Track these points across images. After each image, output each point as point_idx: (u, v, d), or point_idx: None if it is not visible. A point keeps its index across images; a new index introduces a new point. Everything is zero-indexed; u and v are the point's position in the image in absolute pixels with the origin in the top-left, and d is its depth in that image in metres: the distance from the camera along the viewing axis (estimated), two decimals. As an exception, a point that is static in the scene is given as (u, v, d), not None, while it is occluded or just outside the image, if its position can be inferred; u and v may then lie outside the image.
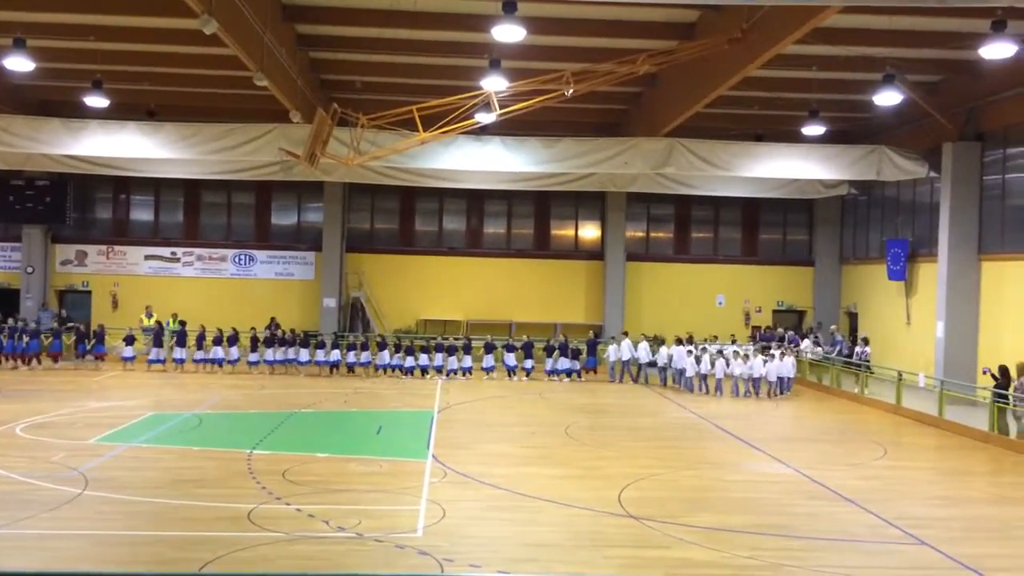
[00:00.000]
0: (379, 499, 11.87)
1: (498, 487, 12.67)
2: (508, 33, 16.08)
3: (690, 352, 24.47)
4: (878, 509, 11.93)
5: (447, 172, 26.04)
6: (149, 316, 28.04)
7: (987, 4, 10.13)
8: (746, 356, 24.26)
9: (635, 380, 26.15)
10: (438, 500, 11.69)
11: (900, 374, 21.78)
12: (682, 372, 24.41)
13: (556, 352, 26.08)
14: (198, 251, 31.52)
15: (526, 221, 32.59)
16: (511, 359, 26.24)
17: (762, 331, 30.91)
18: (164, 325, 27.24)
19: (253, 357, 25.79)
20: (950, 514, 11.99)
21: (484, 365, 26.14)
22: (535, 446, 16.14)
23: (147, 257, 31.41)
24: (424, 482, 12.79)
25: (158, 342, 25.91)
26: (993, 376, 17.87)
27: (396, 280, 31.56)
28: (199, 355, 25.81)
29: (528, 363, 26.18)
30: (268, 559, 9.27)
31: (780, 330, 30.24)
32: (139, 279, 31.09)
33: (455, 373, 25.84)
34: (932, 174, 24.10)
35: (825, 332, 29.25)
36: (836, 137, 26.42)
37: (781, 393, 23.54)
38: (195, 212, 32.03)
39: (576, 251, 32.58)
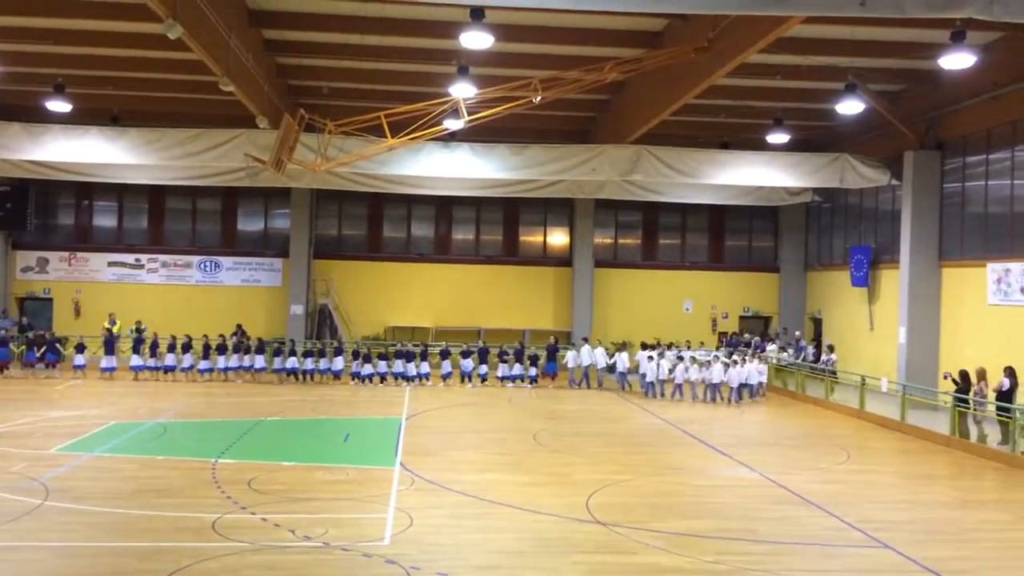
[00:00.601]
0: (346, 507, 11.79)
1: (466, 494, 12.65)
2: (476, 40, 16.15)
3: (651, 358, 24.64)
4: (842, 513, 12.07)
5: (415, 178, 25.99)
6: (112, 324, 27.64)
7: (946, 15, 10.33)
8: (706, 363, 24.42)
9: (599, 385, 26.19)
10: (406, 508, 11.65)
11: (863, 379, 22.07)
12: (643, 377, 24.61)
13: (510, 358, 26.01)
14: (163, 258, 31.18)
15: (495, 227, 32.63)
16: (467, 364, 26.05)
17: (729, 337, 31.22)
18: (112, 331, 26.66)
19: (204, 365, 25.37)
20: (912, 517, 12.15)
21: (442, 372, 26.00)
22: (503, 453, 16.13)
23: (110, 264, 31.01)
24: (392, 490, 12.73)
25: (110, 349, 25.48)
26: (954, 381, 18.16)
27: (364, 287, 31.44)
28: (151, 362, 25.42)
29: (483, 369, 26.00)
30: (233, 569, 9.17)
31: (747, 335, 30.56)
32: (102, 286, 30.68)
33: (413, 380, 25.65)
34: (894, 182, 24.49)
35: (790, 337, 29.60)
36: (800, 145, 26.78)
37: (741, 399, 23.55)
38: (159, 218, 31.68)
39: (545, 257, 32.67)
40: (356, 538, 10.28)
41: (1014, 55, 19.24)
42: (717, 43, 16.79)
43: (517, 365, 25.99)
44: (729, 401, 23.51)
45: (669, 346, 26.96)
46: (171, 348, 25.47)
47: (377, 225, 32.31)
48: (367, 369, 25.63)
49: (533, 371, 26.19)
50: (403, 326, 31.06)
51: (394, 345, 27.14)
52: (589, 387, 26.08)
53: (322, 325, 30.77)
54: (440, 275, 31.79)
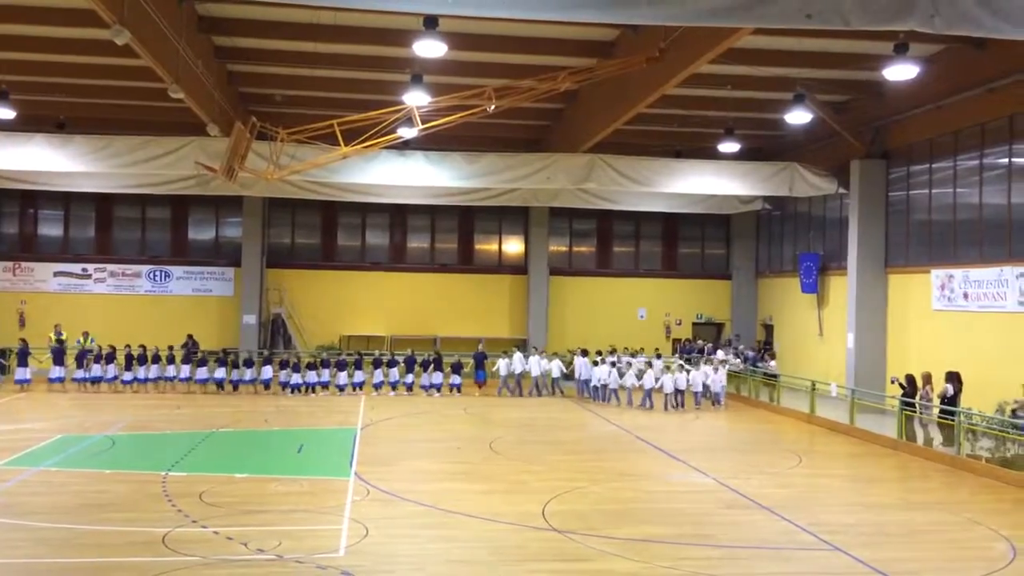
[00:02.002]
0: (300, 519, 11.66)
1: (422, 504, 12.60)
2: (430, 48, 16.13)
3: (596, 363, 24.86)
4: (793, 516, 12.25)
5: (370, 187, 25.88)
6: (59, 335, 27.01)
7: (889, 28, 10.57)
8: (639, 371, 24.74)
9: (552, 393, 26.15)
10: (361, 519, 11.55)
11: (813, 384, 22.43)
12: (587, 383, 24.89)
13: (431, 366, 25.71)
14: (111, 267, 30.61)
15: (450, 236, 32.60)
16: (394, 374, 25.66)
17: (682, 343, 31.53)
18: (59, 341, 26.09)
19: (127, 376, 24.89)
20: (861, 520, 12.37)
21: (374, 381, 25.67)
22: (459, 462, 16.09)
23: (56, 274, 30.36)
24: (347, 501, 12.63)
25: (59, 360, 24.89)
26: (901, 385, 18.54)
27: (318, 296, 31.18)
28: (98, 373, 24.88)
29: (409, 378, 25.63)
30: (184, 584, 9.03)
31: (700, 342, 30.90)
32: (48, 296, 30.03)
33: (343, 389, 25.31)
34: (841, 190, 24.98)
35: (735, 344, 29.95)
36: (751, 154, 27.20)
37: (680, 407, 23.54)
38: (107, 227, 31.12)
39: (500, 266, 32.71)
40: (310, 550, 10.17)
41: (955, 67, 19.78)
42: (668, 53, 16.98)
43: (437, 373, 25.61)
44: (666, 406, 23.42)
45: (612, 351, 27.09)
46: (98, 359, 24.97)
47: (331, 234, 32.09)
48: (295, 378, 25.18)
49: (456, 379, 25.67)
50: (358, 335, 30.84)
51: (319, 355, 26.71)
52: (521, 395, 25.84)
53: (275, 335, 30.45)
54: (395, 284, 31.66)
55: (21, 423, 19.11)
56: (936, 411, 17.55)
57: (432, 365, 25.77)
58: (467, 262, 32.56)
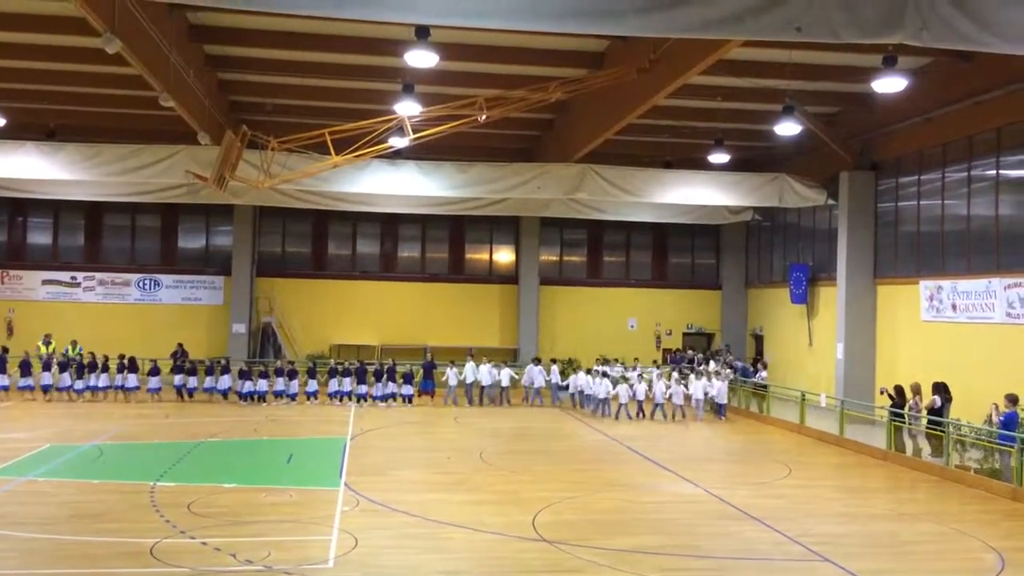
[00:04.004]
0: (289, 530, 11.61)
1: (411, 514, 12.56)
2: (421, 58, 16.15)
3: (562, 372, 25.11)
4: (783, 527, 12.27)
5: (361, 196, 25.86)
6: (47, 343, 26.84)
7: (879, 41, 10.65)
8: (623, 377, 24.81)
9: (473, 403, 25.64)
10: (350, 529, 11.51)
11: (803, 394, 22.49)
12: (563, 389, 25.17)
13: (384, 376, 25.35)
14: (100, 275, 30.49)
15: (440, 245, 32.60)
16: (347, 384, 25.22)
17: (673, 353, 31.56)
18: (48, 351, 25.89)
19: (79, 385, 24.56)
20: (850, 530, 12.40)
21: (329, 390, 25.25)
22: (449, 472, 16.06)
23: (45, 282, 30.25)
24: (336, 511, 12.58)
25: (46, 369, 24.72)
26: (890, 396, 18.60)
27: (308, 305, 31.12)
28: (89, 382, 24.63)
29: (362, 388, 25.15)
30: (172, 595, 8.97)
31: (690, 352, 30.93)
32: (36, 304, 29.90)
33: (294, 398, 24.98)
34: (830, 201, 25.09)
35: (725, 355, 29.96)
36: (740, 165, 27.31)
37: (653, 417, 23.54)
38: (97, 235, 31.03)
39: (491, 275, 32.72)
40: (299, 561, 10.13)
41: (943, 79, 19.94)
42: (659, 64, 17.07)
43: (390, 384, 25.26)
44: (648, 415, 23.46)
45: (604, 361, 27.11)
46: (105, 368, 24.80)
47: (322, 242, 32.06)
48: (248, 387, 24.81)
49: (408, 389, 25.34)
50: (349, 344, 30.79)
51: (265, 364, 26.49)
52: (471, 404, 25.44)
53: (265, 344, 30.36)
54: (386, 293, 31.62)
55: (8, 432, 18.97)
56: (924, 422, 17.61)
57: (385, 375, 25.33)
58: (458, 271, 32.56)
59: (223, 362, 26.23)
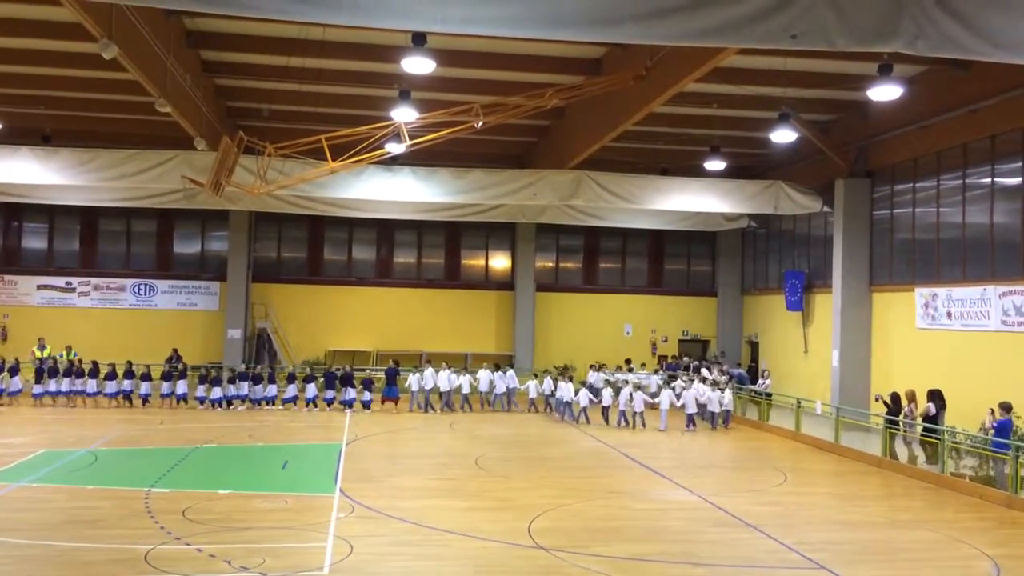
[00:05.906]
0: (284, 536, 11.58)
1: (407, 521, 12.53)
2: (418, 65, 16.20)
3: (554, 380, 24.96)
4: (778, 534, 12.27)
5: (357, 202, 25.85)
6: (42, 348, 26.78)
7: (874, 49, 10.68)
8: (613, 384, 24.75)
9: (433, 409, 25.43)
10: (345, 536, 11.48)
11: (799, 401, 22.50)
12: (559, 400, 24.87)
13: (344, 382, 25.27)
14: (95, 281, 30.45)
15: (436, 251, 32.62)
16: (311, 390, 25.13)
17: (668, 360, 31.56)
18: (42, 357, 25.78)
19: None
20: (845, 538, 12.40)
21: (307, 395, 25.14)
22: (445, 478, 16.03)
23: (40, 287, 30.19)
24: (331, 517, 12.55)
25: (41, 375, 24.60)
26: (885, 403, 18.63)
27: (304, 310, 31.10)
28: (79, 387, 24.52)
29: (330, 394, 25.07)
30: (166, 602, 8.94)
31: (686, 359, 30.93)
32: (31, 310, 29.84)
33: (257, 403, 24.91)
34: (826, 209, 25.16)
35: (720, 362, 29.93)
36: (736, 172, 27.38)
37: (715, 426, 23.53)
38: (92, 240, 30.98)
39: (486, 281, 32.72)
40: (294, 568, 10.10)
41: (939, 87, 20.03)
42: (655, 72, 17.12)
43: (350, 389, 25.16)
44: (634, 422, 23.34)
45: (602, 367, 27.09)
46: (96, 373, 24.71)
47: (317, 248, 32.05)
48: (215, 393, 24.70)
49: (368, 395, 25.18)
50: (344, 350, 30.75)
51: (236, 369, 26.42)
52: (432, 410, 25.25)
53: (260, 349, 30.32)
54: (381, 299, 31.62)
55: (2, 438, 18.90)
56: (919, 429, 17.63)
57: (342, 381, 25.21)
58: (454, 278, 32.57)
59: (214, 372, 26.03)
